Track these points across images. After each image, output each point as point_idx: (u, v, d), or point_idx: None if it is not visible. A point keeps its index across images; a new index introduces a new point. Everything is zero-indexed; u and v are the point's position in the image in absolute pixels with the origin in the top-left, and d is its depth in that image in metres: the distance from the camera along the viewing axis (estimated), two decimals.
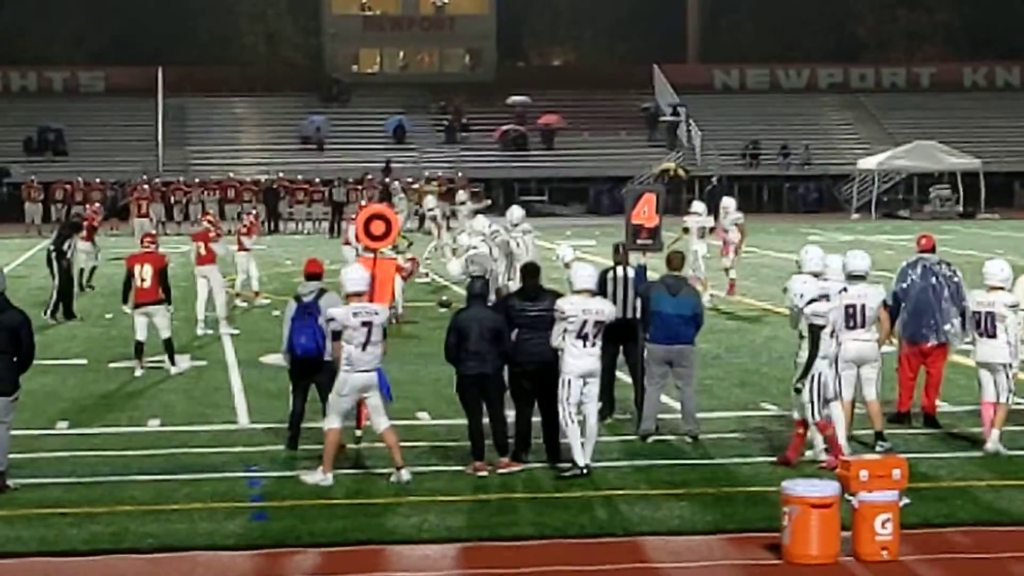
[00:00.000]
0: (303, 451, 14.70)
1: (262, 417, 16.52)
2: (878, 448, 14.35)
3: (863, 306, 14.66)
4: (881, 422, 14.75)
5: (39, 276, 30.66)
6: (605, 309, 13.78)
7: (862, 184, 57.48)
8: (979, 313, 14.59)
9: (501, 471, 13.71)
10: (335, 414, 13.52)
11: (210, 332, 23.36)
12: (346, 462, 14.25)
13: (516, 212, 24.16)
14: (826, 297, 13.74)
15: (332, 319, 13.61)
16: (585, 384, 13.60)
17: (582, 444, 13.53)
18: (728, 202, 28.02)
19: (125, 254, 22.55)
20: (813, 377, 13.49)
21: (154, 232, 24.93)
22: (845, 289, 14.61)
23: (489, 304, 14.62)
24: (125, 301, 20.30)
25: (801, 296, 13.56)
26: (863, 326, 14.67)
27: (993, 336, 14.50)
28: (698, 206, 28.04)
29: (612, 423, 15.97)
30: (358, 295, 13.62)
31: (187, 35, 74.31)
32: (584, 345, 13.58)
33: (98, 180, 53.16)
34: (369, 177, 53.91)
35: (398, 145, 61.72)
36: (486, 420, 13.92)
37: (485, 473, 13.65)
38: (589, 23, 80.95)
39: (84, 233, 29.80)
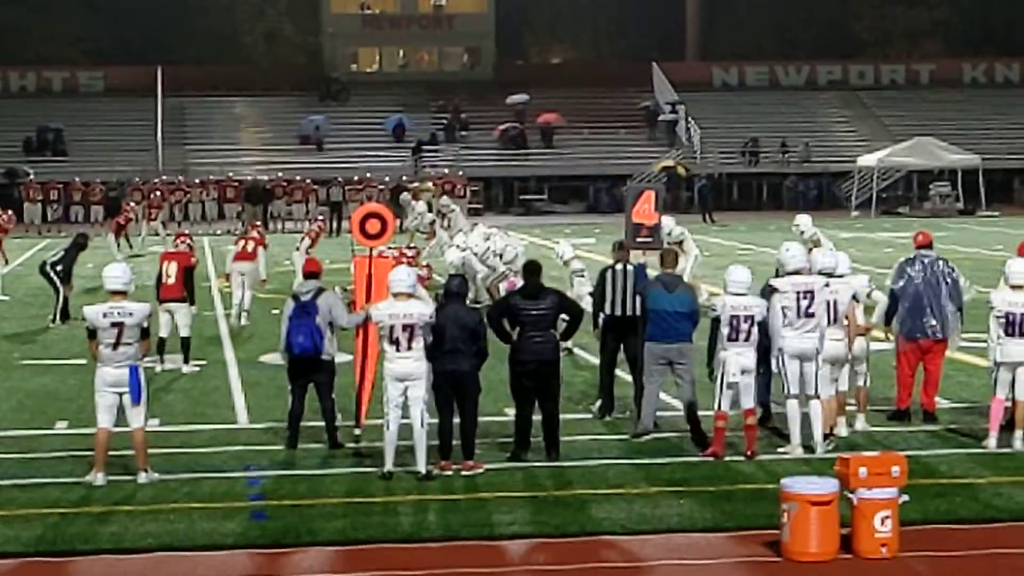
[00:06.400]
0: (302, 450, 14.72)
1: (261, 416, 16.52)
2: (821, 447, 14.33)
3: (835, 302, 14.62)
4: (832, 420, 14.70)
5: (39, 275, 30.65)
6: (415, 311, 13.69)
7: (862, 181, 57.45)
8: (1012, 314, 14.42)
9: (464, 473, 13.69)
10: (99, 412, 13.51)
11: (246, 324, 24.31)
12: (345, 460, 14.29)
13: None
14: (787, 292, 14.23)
15: (84, 318, 13.60)
16: (407, 388, 13.54)
17: (413, 449, 13.51)
18: (666, 221, 27.14)
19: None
20: (717, 366, 14.12)
21: (186, 231, 25.12)
22: (827, 284, 14.62)
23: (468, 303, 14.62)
24: (158, 298, 20.28)
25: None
26: (835, 323, 14.63)
27: None
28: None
29: (611, 421, 16.01)
30: (115, 294, 13.54)
31: (186, 35, 74.36)
32: (397, 349, 13.56)
33: (98, 180, 53.19)
34: (367, 176, 53.94)
35: (397, 144, 61.78)
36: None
37: (450, 472, 13.67)
38: (588, 21, 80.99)
39: (112, 230, 30.26)
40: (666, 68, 66.97)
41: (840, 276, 15.01)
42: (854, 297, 14.94)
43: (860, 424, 15.43)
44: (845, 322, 14.70)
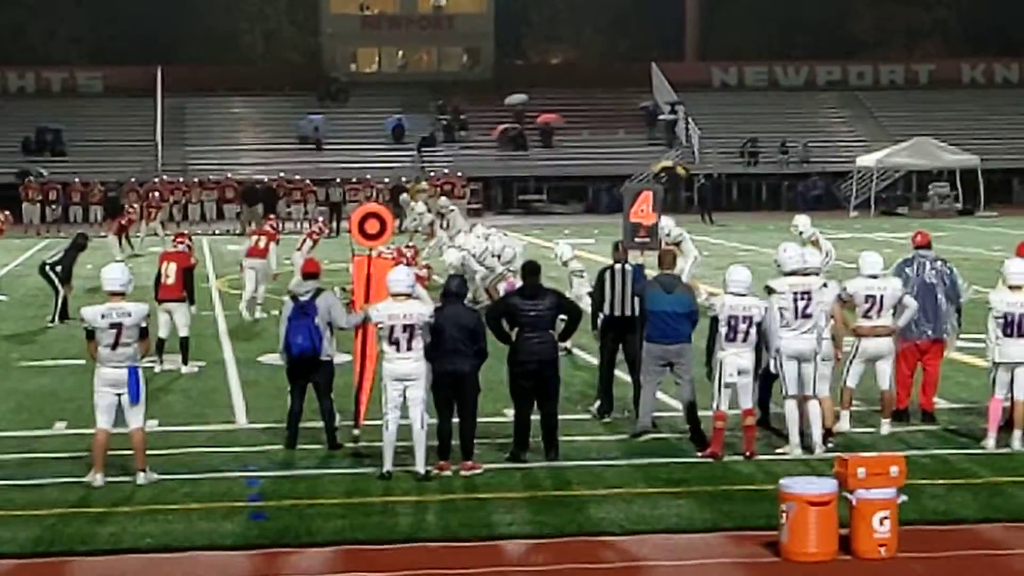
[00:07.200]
0: (301, 450, 14.72)
1: (260, 417, 16.52)
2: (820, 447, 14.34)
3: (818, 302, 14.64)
4: (830, 420, 14.72)
5: (39, 276, 30.67)
6: (415, 311, 13.68)
7: (861, 182, 57.45)
8: (1011, 314, 14.44)
9: (463, 473, 13.70)
10: (97, 413, 13.49)
11: (261, 317, 24.76)
12: (344, 460, 14.29)
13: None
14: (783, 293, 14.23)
15: (82, 319, 13.56)
16: (406, 388, 13.54)
17: (413, 450, 13.52)
18: (665, 221, 27.00)
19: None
20: (715, 366, 14.11)
21: (185, 232, 25.12)
22: (826, 284, 14.63)
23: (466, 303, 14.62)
24: (156, 298, 20.30)
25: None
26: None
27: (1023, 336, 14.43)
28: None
29: (610, 421, 16.01)
30: (114, 295, 13.51)
31: (185, 35, 74.33)
32: (396, 350, 13.56)
33: (97, 180, 53.15)
34: (367, 176, 53.94)
35: (397, 144, 61.78)
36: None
37: (449, 473, 13.69)
38: (587, 21, 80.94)
39: (114, 231, 30.41)
40: (665, 68, 66.95)
41: (876, 276, 15.14)
42: (839, 297, 14.96)
43: (886, 429, 15.30)
44: (831, 321, 14.71)
